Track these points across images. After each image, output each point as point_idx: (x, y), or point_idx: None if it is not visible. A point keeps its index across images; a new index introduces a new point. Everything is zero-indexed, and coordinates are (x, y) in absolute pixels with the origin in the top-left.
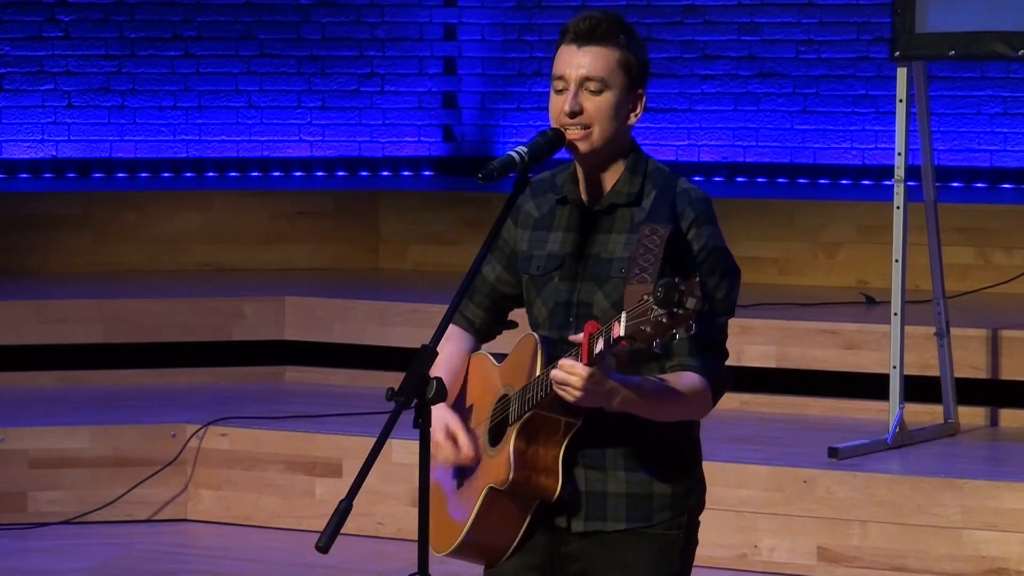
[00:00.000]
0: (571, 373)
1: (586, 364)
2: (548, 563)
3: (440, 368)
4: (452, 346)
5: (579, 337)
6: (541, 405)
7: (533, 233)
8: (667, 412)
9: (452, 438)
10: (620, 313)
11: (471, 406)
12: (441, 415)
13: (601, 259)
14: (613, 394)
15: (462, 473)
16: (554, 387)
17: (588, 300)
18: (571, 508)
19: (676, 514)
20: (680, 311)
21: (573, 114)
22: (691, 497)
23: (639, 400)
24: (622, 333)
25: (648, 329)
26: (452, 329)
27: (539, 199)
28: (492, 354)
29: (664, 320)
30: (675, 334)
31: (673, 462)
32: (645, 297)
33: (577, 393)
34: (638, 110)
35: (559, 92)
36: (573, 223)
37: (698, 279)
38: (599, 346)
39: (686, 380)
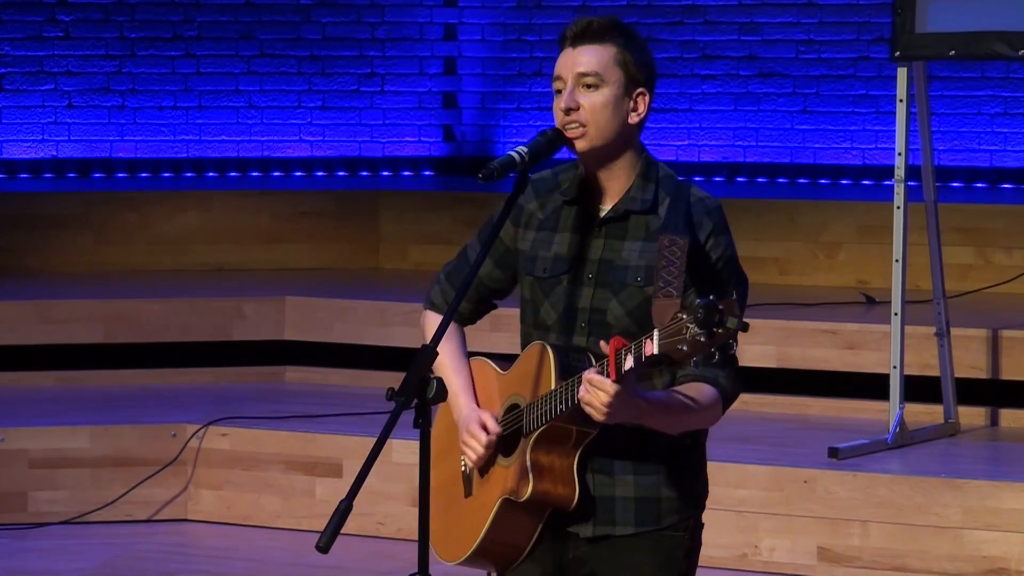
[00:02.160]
0: (600, 389)
1: (614, 381)
2: (556, 569)
3: (455, 371)
4: (454, 345)
5: (606, 347)
6: (560, 418)
7: (537, 233)
8: (684, 425)
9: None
10: (652, 330)
11: None
12: (473, 410)
13: (615, 266)
14: (638, 411)
15: (471, 481)
16: (582, 404)
17: (602, 307)
18: (580, 514)
19: (684, 517)
20: (720, 330)
21: (568, 110)
22: (697, 500)
23: (661, 417)
24: (656, 351)
25: (685, 348)
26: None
27: (543, 199)
28: (487, 354)
29: (703, 339)
30: (714, 353)
31: (681, 466)
32: (679, 316)
33: (605, 410)
34: (640, 109)
35: (558, 92)
36: (581, 225)
37: (735, 297)
38: (628, 363)
39: (704, 393)
